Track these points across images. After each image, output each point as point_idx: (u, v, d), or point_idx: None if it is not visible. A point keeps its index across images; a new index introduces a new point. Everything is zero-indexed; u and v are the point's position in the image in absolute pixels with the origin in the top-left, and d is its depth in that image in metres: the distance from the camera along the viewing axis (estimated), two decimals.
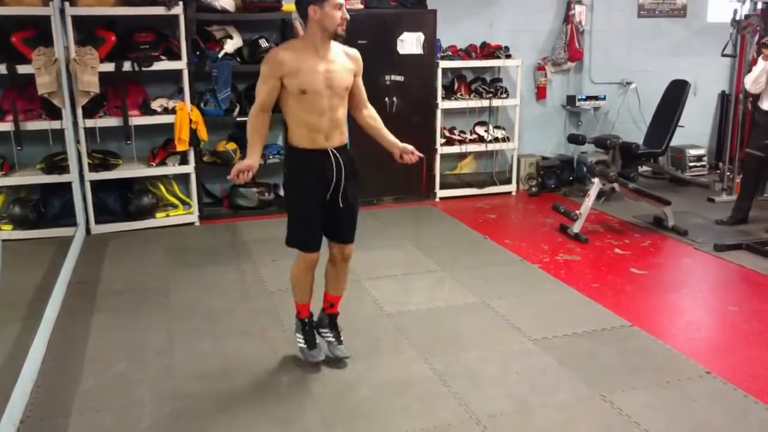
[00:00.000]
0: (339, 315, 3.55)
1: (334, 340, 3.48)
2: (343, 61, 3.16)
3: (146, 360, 3.51)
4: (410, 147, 3.30)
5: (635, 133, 7.01)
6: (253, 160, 3.07)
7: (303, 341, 3.45)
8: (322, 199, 3.19)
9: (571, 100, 7.23)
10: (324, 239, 3.34)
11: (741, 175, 6.26)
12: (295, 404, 3.09)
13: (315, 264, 3.30)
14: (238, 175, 3.00)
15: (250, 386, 3.24)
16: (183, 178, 5.98)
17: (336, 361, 3.44)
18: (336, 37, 3.09)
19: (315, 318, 3.53)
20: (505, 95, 6.71)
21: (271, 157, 6.07)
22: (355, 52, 3.23)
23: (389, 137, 3.34)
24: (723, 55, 6.83)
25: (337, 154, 3.18)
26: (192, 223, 5.88)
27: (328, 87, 3.08)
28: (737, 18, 6.51)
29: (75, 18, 5.18)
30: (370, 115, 3.35)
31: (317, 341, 3.46)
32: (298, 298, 3.43)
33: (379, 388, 3.21)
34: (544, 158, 7.14)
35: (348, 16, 3.08)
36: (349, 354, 3.47)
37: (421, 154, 3.32)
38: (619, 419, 2.95)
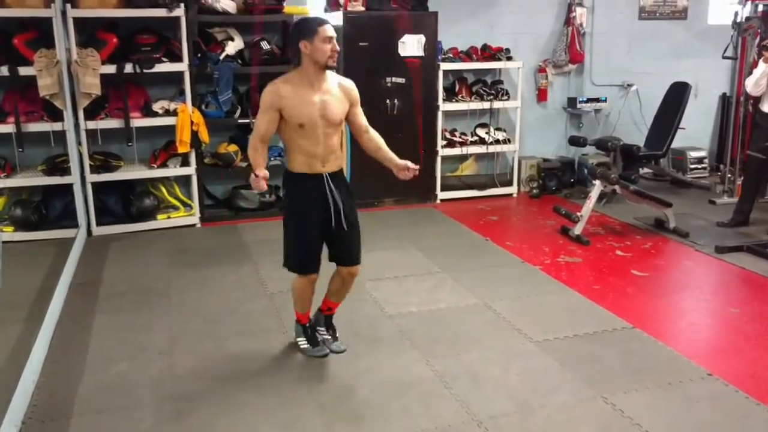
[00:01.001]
0: (335, 315, 3.66)
1: (329, 337, 3.63)
2: (337, 93, 3.28)
3: (148, 361, 3.51)
4: (408, 163, 3.38)
5: (636, 135, 7.02)
6: (261, 171, 3.15)
7: (305, 342, 3.60)
8: (320, 223, 3.29)
9: (572, 102, 7.24)
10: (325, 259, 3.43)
11: (742, 177, 6.26)
12: (296, 405, 3.09)
13: (314, 282, 3.43)
14: (257, 183, 3.12)
15: (251, 387, 3.24)
16: (184, 180, 5.99)
17: (337, 359, 3.47)
18: (327, 68, 3.22)
19: (312, 314, 3.64)
20: (506, 97, 6.72)
21: (272, 159, 6.06)
22: (349, 83, 3.35)
23: (390, 156, 3.44)
24: (724, 58, 6.83)
25: (333, 179, 3.30)
26: (193, 225, 5.88)
27: (322, 117, 3.21)
28: (738, 20, 6.52)
29: (76, 20, 5.18)
30: (371, 138, 3.44)
31: (319, 339, 3.60)
32: (299, 308, 3.58)
33: (380, 389, 3.21)
34: (545, 160, 7.14)
35: (338, 48, 3.20)
36: (345, 347, 3.58)
37: (417, 167, 3.39)
38: (620, 421, 2.95)
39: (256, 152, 3.24)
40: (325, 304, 3.62)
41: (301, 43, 3.16)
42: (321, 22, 3.20)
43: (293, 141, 3.25)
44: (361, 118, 3.40)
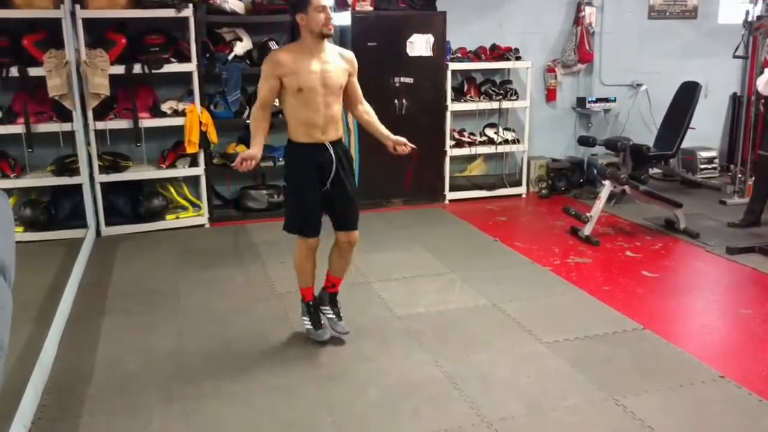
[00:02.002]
0: (339, 293, 3.77)
1: (334, 316, 3.73)
2: (338, 62, 3.43)
3: (156, 361, 3.51)
4: (403, 139, 3.55)
5: (646, 135, 6.98)
6: (256, 150, 3.33)
7: (309, 323, 3.69)
8: (321, 188, 3.44)
9: (581, 102, 7.21)
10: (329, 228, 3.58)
11: (753, 178, 6.21)
12: (305, 406, 3.08)
13: (314, 249, 3.55)
14: (241, 162, 3.26)
15: (259, 388, 3.24)
16: (193, 181, 6.00)
17: (346, 360, 3.44)
18: (324, 36, 3.34)
19: (316, 292, 3.75)
20: (514, 97, 6.70)
21: (280, 159, 6.07)
22: (349, 54, 3.53)
23: (383, 130, 3.59)
24: (735, 57, 6.78)
25: (333, 147, 3.44)
26: (202, 225, 5.89)
27: (323, 85, 3.35)
28: (749, 19, 6.47)
29: (86, 21, 5.20)
30: (365, 110, 3.62)
31: (322, 322, 3.69)
32: (302, 283, 3.68)
33: (389, 391, 3.19)
34: (554, 160, 7.11)
35: (331, 16, 3.33)
36: (349, 329, 3.69)
37: (413, 146, 3.53)
38: (631, 423, 2.92)
39: (256, 121, 3.40)
40: (328, 281, 3.75)
41: (297, 15, 3.31)
42: None
43: (294, 110, 3.39)
44: (357, 88, 3.57)
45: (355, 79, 3.53)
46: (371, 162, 5.91)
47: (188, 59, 5.56)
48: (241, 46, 5.87)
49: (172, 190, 5.96)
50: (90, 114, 5.34)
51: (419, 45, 6.24)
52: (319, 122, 3.37)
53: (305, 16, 3.28)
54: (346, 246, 3.60)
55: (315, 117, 3.36)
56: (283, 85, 3.34)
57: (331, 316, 3.74)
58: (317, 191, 3.43)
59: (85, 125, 5.38)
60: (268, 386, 3.26)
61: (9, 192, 5.49)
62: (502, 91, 6.66)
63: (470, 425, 2.92)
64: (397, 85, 6.21)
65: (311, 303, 3.69)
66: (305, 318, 3.70)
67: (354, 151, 5.65)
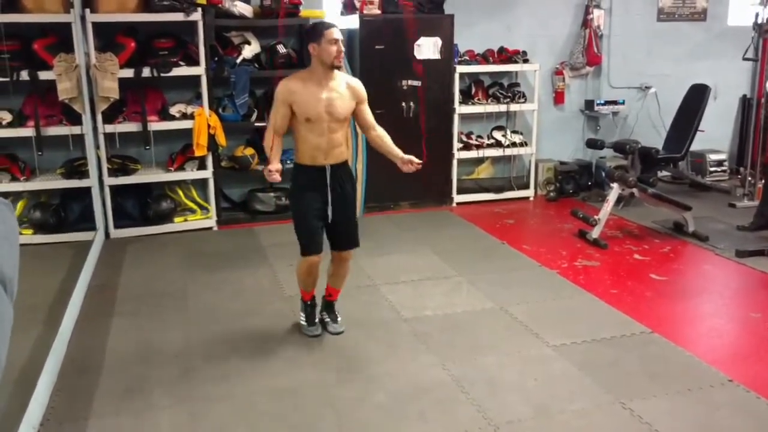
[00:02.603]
0: (337, 301, 3.94)
1: (329, 320, 3.91)
2: (344, 91, 3.54)
3: (164, 364, 3.52)
4: (411, 157, 3.61)
5: (655, 138, 6.95)
6: (276, 164, 3.50)
7: (304, 319, 3.88)
8: (321, 209, 3.58)
9: (589, 104, 7.19)
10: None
11: (763, 180, 6.18)
12: (311, 409, 3.09)
13: (317, 265, 3.67)
14: (270, 174, 3.42)
15: (267, 390, 3.24)
16: (201, 183, 6.02)
17: (354, 364, 3.47)
18: (333, 68, 3.49)
19: (318, 302, 3.92)
20: (522, 100, 6.69)
21: (288, 162, 6.07)
22: (356, 82, 3.63)
23: (394, 151, 3.66)
24: (744, 59, 6.75)
25: (334, 169, 3.58)
26: (210, 228, 5.91)
27: (328, 113, 3.49)
28: (759, 21, 6.44)
29: (95, 24, 5.23)
30: (378, 135, 3.69)
31: (317, 320, 3.88)
32: (303, 288, 3.85)
33: (396, 394, 3.19)
34: (562, 163, 7.10)
35: (343, 49, 3.48)
36: (343, 329, 3.84)
37: (420, 162, 3.61)
38: (639, 427, 2.91)
39: (270, 143, 3.54)
40: (327, 290, 3.91)
41: (310, 45, 3.46)
42: (328, 26, 3.48)
43: (301, 134, 3.53)
44: (368, 115, 3.66)
45: (364, 107, 3.63)
46: (379, 166, 5.91)
47: (197, 63, 5.58)
48: (250, 50, 5.89)
49: (181, 192, 5.98)
50: (99, 117, 5.37)
51: (427, 48, 6.24)
52: (322, 146, 3.51)
53: (317, 47, 3.42)
54: (340, 262, 3.78)
55: (319, 142, 3.51)
56: (293, 112, 3.50)
57: (327, 320, 3.91)
58: (318, 211, 3.57)
59: (95, 128, 5.41)
60: (275, 389, 3.26)
61: (19, 195, 5.54)
62: (509, 94, 6.65)
63: (477, 428, 2.91)
64: (405, 88, 6.21)
65: (309, 303, 3.87)
66: (302, 314, 3.90)
67: (361, 166, 5.69)
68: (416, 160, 3.58)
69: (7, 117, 5.33)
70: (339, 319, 3.89)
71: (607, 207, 5.49)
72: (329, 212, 3.58)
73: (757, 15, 6.45)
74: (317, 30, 3.46)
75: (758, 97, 6.68)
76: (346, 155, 3.69)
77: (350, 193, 3.67)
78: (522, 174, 7.11)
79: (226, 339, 3.80)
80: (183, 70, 5.58)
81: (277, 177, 3.41)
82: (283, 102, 3.48)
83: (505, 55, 6.68)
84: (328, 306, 3.92)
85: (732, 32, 7.37)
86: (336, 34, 3.43)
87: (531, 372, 3.39)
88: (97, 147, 5.46)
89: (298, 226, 3.63)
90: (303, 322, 3.87)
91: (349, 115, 3.59)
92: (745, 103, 7.68)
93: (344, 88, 3.54)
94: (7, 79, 5.12)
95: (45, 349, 3.41)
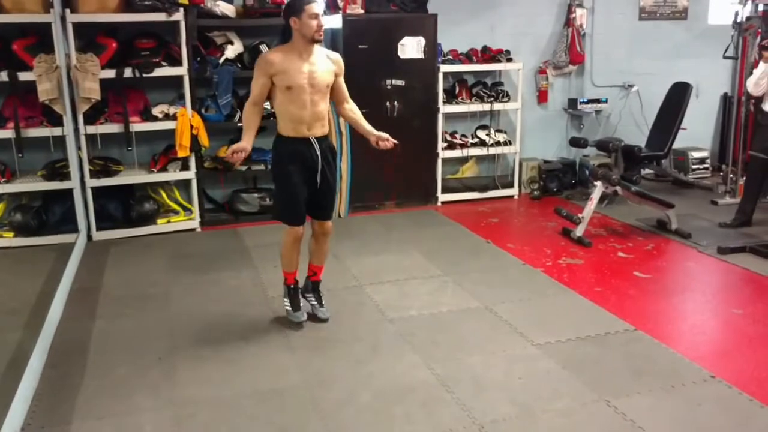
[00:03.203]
0: (321, 282, 4.03)
1: (316, 303, 3.99)
2: (325, 63, 3.65)
3: (147, 366, 3.49)
4: (385, 134, 3.78)
5: (637, 136, 7.00)
6: (246, 142, 3.57)
7: (289, 304, 3.94)
8: (305, 180, 3.67)
9: (572, 103, 7.22)
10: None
11: (744, 178, 6.24)
12: (297, 411, 3.08)
13: (300, 237, 3.79)
14: (232, 154, 3.50)
15: (251, 393, 3.23)
16: (184, 184, 5.98)
17: (338, 364, 3.44)
18: (314, 41, 3.57)
19: (300, 285, 4.01)
20: (506, 99, 6.70)
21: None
22: (336, 56, 3.75)
23: (366, 126, 3.84)
24: (725, 58, 6.81)
25: (318, 142, 3.67)
26: (193, 229, 5.87)
27: (310, 85, 3.58)
28: (738, 20, 6.50)
29: (76, 25, 5.18)
30: (351, 108, 3.87)
31: (301, 305, 3.95)
32: (285, 268, 3.91)
33: (381, 394, 3.19)
34: (546, 162, 7.12)
35: (323, 23, 3.55)
36: (329, 315, 3.94)
37: (395, 141, 3.77)
38: (623, 424, 2.93)
39: (247, 117, 3.64)
40: (310, 270, 4.01)
41: (291, 19, 3.54)
42: (308, 0, 3.52)
43: (283, 106, 3.61)
44: (343, 88, 3.80)
45: (341, 80, 3.77)
46: (363, 165, 5.92)
47: (179, 63, 5.54)
48: (232, 50, 5.86)
49: (164, 194, 5.93)
50: (81, 118, 5.32)
51: (411, 47, 6.24)
52: (305, 118, 3.61)
53: (298, 21, 3.51)
54: (321, 237, 3.88)
55: (302, 114, 3.60)
56: (273, 83, 3.58)
57: (313, 302, 4.00)
58: (302, 182, 3.66)
59: (76, 130, 5.36)
60: (260, 391, 3.25)
61: None
62: (493, 93, 6.67)
63: (462, 428, 2.92)
64: (389, 87, 6.21)
65: (292, 286, 3.94)
66: (285, 300, 3.95)
67: (346, 166, 5.70)
68: (391, 138, 3.73)
69: None
70: (324, 302, 4.01)
71: (591, 205, 5.52)
72: (318, 181, 3.68)
73: (736, 14, 6.50)
74: (298, 4, 3.51)
75: (739, 95, 6.74)
76: (328, 129, 3.79)
77: (333, 164, 3.78)
78: (506, 173, 7.13)
79: (210, 341, 3.78)
80: (165, 71, 5.53)
81: (241, 158, 3.50)
82: (264, 73, 3.56)
83: (488, 55, 6.70)
84: (314, 286, 4.01)
85: (712, 31, 7.43)
86: (316, 8, 3.51)
87: (516, 371, 3.40)
88: (79, 148, 5.41)
89: (282, 196, 3.73)
90: (288, 308, 3.94)
91: (330, 85, 3.68)
92: (726, 100, 7.75)
93: (325, 60, 3.65)
94: None
95: (26, 352, 3.37)
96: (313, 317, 3.97)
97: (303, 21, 3.50)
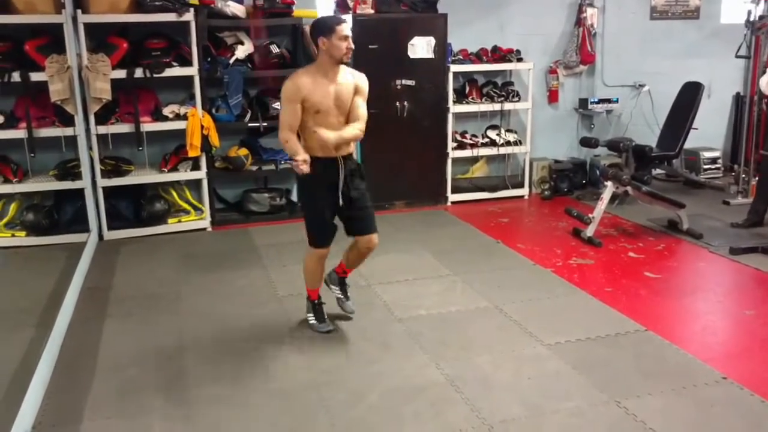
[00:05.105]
0: (348, 277, 3.98)
1: (342, 296, 3.96)
2: (349, 82, 3.54)
3: (157, 366, 3.51)
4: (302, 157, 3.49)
5: (648, 136, 6.96)
6: (304, 153, 3.43)
7: (314, 318, 3.87)
8: (332, 200, 3.57)
9: (583, 103, 7.19)
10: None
11: (756, 178, 6.19)
12: (305, 410, 3.08)
13: (324, 257, 3.73)
14: (300, 165, 3.36)
15: (260, 392, 3.23)
16: (195, 184, 6.00)
17: (347, 364, 3.45)
18: (342, 63, 3.48)
19: (326, 275, 3.92)
20: (516, 99, 6.69)
21: (282, 162, 6.08)
22: (360, 76, 3.61)
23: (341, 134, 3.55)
24: (737, 57, 6.76)
25: (344, 161, 3.58)
26: (204, 229, 5.89)
27: (336, 106, 3.50)
28: (751, 19, 6.45)
29: (87, 25, 5.21)
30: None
31: (326, 317, 3.87)
32: (309, 284, 3.86)
33: (389, 394, 3.18)
34: (556, 162, 7.10)
35: (353, 46, 3.46)
36: (355, 308, 3.94)
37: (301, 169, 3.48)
38: (634, 425, 2.91)
39: (289, 143, 3.47)
40: (340, 267, 3.92)
41: (319, 39, 3.43)
42: (339, 21, 3.45)
43: (310, 128, 3.47)
44: (358, 108, 3.55)
45: (358, 100, 3.56)
46: (373, 165, 5.90)
47: (190, 63, 5.57)
48: (243, 50, 5.86)
49: (174, 193, 5.96)
50: (92, 118, 5.35)
51: (421, 47, 6.24)
52: None
53: (327, 42, 3.40)
54: (365, 251, 3.75)
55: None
56: (303, 108, 3.46)
57: (339, 295, 3.95)
58: (329, 202, 3.58)
59: (87, 130, 5.39)
60: (268, 390, 3.25)
61: (11, 197, 5.53)
62: (503, 93, 6.65)
63: (471, 428, 2.91)
64: (399, 87, 6.20)
65: (316, 302, 3.87)
66: (310, 314, 3.88)
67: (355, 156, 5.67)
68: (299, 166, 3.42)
69: None
70: (350, 295, 3.99)
71: (602, 205, 5.49)
72: (351, 197, 3.59)
73: (749, 13, 6.46)
74: (328, 25, 3.43)
75: (751, 95, 6.70)
76: (353, 147, 3.70)
77: (360, 183, 3.67)
78: (516, 173, 7.11)
79: (220, 340, 3.79)
80: (176, 71, 5.56)
81: (306, 168, 3.36)
82: (294, 100, 3.43)
83: (498, 54, 6.68)
84: (341, 280, 3.95)
85: (725, 30, 7.38)
86: (346, 30, 3.42)
87: (525, 371, 3.38)
88: (90, 148, 5.44)
89: (310, 217, 3.67)
90: (312, 321, 3.87)
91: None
92: (739, 100, 7.70)
93: (349, 81, 3.54)
94: None
95: (37, 351, 3.39)
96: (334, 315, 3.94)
97: (333, 42, 3.39)
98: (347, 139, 3.51)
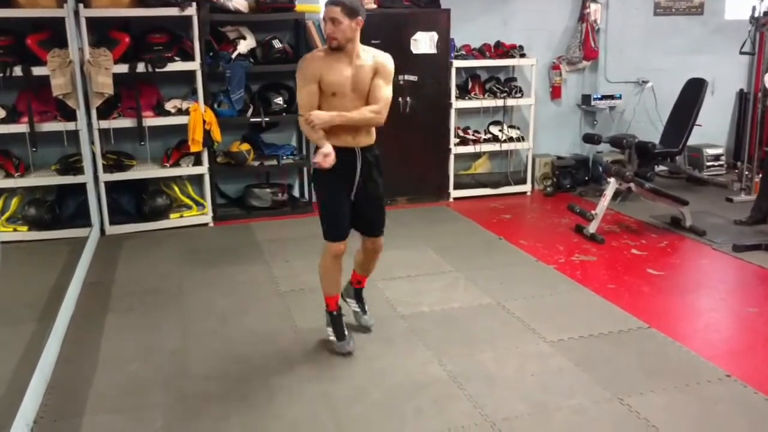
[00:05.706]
0: (365, 288, 3.83)
1: (359, 310, 3.81)
2: (368, 64, 3.28)
3: (159, 361, 3.50)
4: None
5: (651, 133, 6.93)
6: (328, 146, 3.18)
7: (333, 334, 3.59)
8: (349, 194, 3.39)
9: (586, 99, 7.17)
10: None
11: (760, 175, 6.17)
12: (307, 406, 3.07)
13: (341, 254, 3.46)
14: (323, 158, 3.14)
15: (262, 387, 3.23)
16: (197, 179, 5.99)
17: (349, 359, 3.45)
18: (331, 48, 3.23)
19: (341, 289, 3.70)
20: (519, 94, 6.67)
21: (284, 157, 6.07)
22: (384, 56, 3.34)
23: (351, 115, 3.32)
24: (741, 53, 6.74)
25: (363, 152, 3.36)
26: (206, 224, 5.88)
27: (353, 90, 3.26)
28: (756, 15, 6.43)
29: (89, 20, 5.19)
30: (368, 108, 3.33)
31: (346, 333, 3.59)
32: (326, 291, 3.58)
33: (392, 390, 3.18)
34: (559, 158, 7.08)
35: (334, 32, 3.16)
36: (373, 322, 3.78)
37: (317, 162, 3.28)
38: (637, 423, 2.90)
39: (312, 129, 3.20)
40: (353, 277, 3.79)
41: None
42: (327, 2, 3.21)
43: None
44: (377, 90, 3.28)
45: (378, 81, 3.28)
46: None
47: (192, 58, 5.55)
48: (245, 45, 5.85)
49: (176, 188, 5.95)
50: (94, 113, 5.34)
51: (423, 43, 6.22)
52: (350, 127, 3.27)
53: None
54: (371, 253, 3.63)
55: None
56: (321, 90, 3.24)
57: (356, 309, 3.82)
58: (345, 195, 3.39)
59: (89, 124, 5.38)
60: (271, 386, 3.25)
61: (13, 191, 5.52)
62: (506, 89, 6.63)
63: (473, 424, 2.90)
64: (402, 83, 6.18)
65: (335, 313, 3.59)
66: (329, 328, 3.61)
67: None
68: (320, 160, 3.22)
69: (1, 113, 5.28)
70: (367, 309, 3.82)
71: (604, 202, 5.48)
72: (364, 196, 3.40)
73: (754, 9, 6.44)
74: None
75: (755, 91, 6.68)
76: (374, 138, 3.44)
77: (381, 177, 3.47)
78: (519, 169, 7.09)
79: (222, 335, 3.78)
80: (178, 66, 5.54)
81: (332, 160, 3.14)
82: (310, 79, 3.22)
83: (501, 50, 6.66)
84: (357, 292, 3.81)
85: (729, 26, 7.35)
86: (323, 12, 3.20)
87: (528, 368, 3.38)
88: (92, 143, 5.43)
89: (325, 210, 3.42)
90: (332, 338, 3.58)
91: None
92: (743, 97, 7.67)
93: (368, 61, 3.28)
94: (0, 75, 5.09)
95: (39, 345, 3.39)
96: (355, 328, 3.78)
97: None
98: (353, 120, 3.24)
